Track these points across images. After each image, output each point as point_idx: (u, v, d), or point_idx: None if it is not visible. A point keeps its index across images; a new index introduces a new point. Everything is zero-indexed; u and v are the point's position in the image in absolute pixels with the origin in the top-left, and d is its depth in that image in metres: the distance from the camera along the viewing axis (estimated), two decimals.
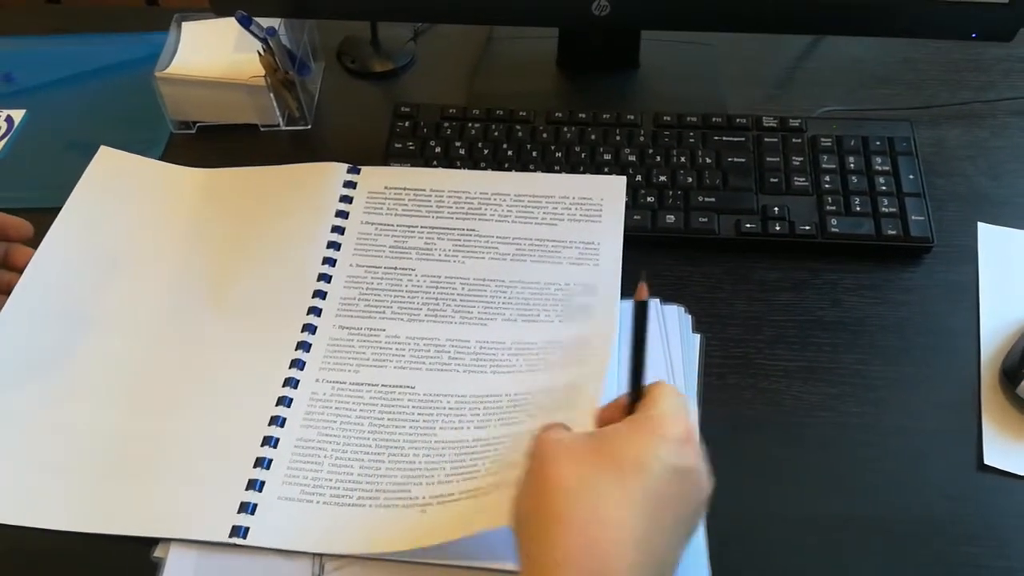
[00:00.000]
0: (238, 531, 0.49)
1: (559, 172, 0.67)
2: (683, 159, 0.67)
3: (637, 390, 0.43)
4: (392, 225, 0.63)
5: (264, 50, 0.69)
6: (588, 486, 0.38)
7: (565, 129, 0.69)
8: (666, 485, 0.38)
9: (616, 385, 0.54)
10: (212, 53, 0.73)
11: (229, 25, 0.68)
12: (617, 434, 0.41)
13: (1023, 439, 0.54)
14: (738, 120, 0.69)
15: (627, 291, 0.59)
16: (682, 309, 0.60)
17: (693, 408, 0.54)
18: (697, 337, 0.59)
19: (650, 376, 0.55)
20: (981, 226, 0.65)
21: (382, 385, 0.55)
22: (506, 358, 0.56)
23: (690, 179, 0.66)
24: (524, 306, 0.59)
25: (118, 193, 0.67)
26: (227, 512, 0.50)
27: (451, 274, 0.61)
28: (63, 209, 0.65)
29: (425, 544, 0.47)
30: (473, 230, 0.63)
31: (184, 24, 0.75)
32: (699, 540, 0.49)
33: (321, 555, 0.49)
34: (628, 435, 0.40)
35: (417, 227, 0.63)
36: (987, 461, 0.53)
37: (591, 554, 0.36)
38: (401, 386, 0.55)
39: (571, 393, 0.53)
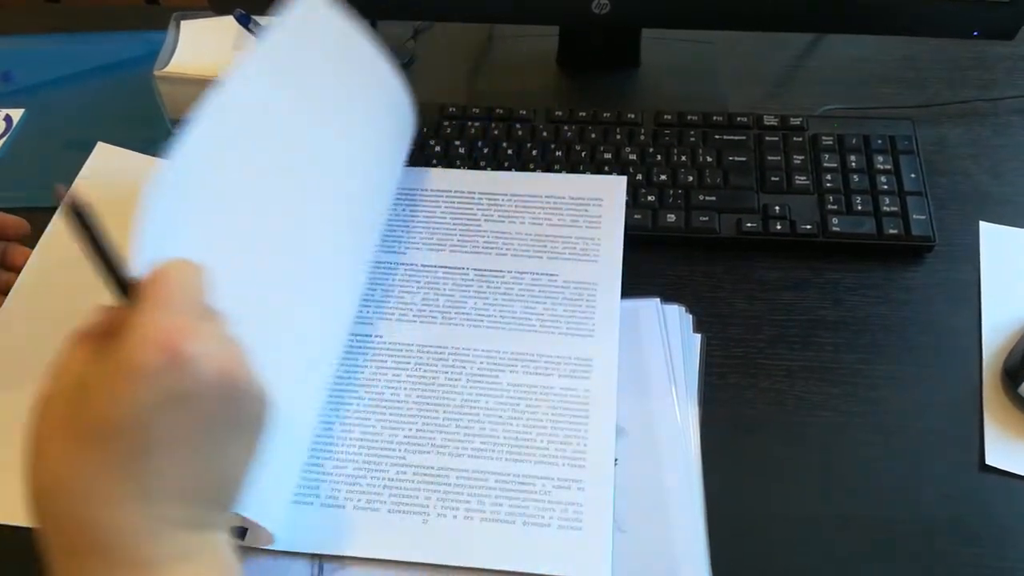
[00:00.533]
0: (235, 531, 0.48)
1: (559, 171, 0.66)
2: (684, 158, 0.67)
3: (120, 288, 0.36)
4: (391, 225, 0.63)
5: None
6: (67, 483, 0.33)
7: (565, 128, 0.69)
8: (156, 428, 0.33)
9: (617, 383, 0.54)
10: (211, 52, 0.72)
11: (228, 23, 0.68)
12: (94, 389, 0.33)
13: None
14: (739, 119, 0.69)
15: (626, 290, 0.59)
16: (683, 309, 0.60)
17: (693, 441, 0.53)
18: (698, 337, 0.59)
19: (652, 377, 0.56)
20: (983, 225, 0.65)
21: (380, 385, 0.55)
22: (507, 362, 0.56)
23: (691, 178, 0.66)
24: (524, 304, 0.58)
25: (116, 190, 0.67)
26: None
27: (450, 274, 0.60)
28: (59, 208, 0.65)
29: (427, 561, 0.47)
30: (473, 229, 0.62)
31: (183, 23, 0.75)
32: (700, 539, 0.49)
33: (320, 556, 0.48)
34: (100, 384, 0.33)
35: (416, 226, 0.63)
36: (989, 461, 0.53)
37: (97, 555, 0.33)
38: (400, 389, 0.55)
39: (580, 403, 0.53)
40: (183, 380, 0.33)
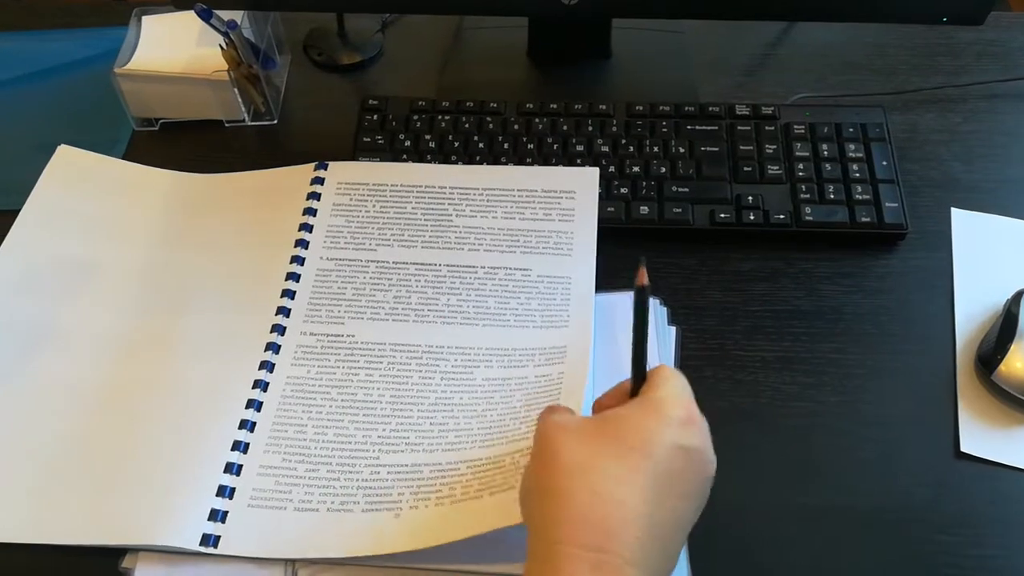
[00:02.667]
0: (208, 539, 0.48)
1: (531, 164, 0.66)
2: (656, 149, 0.66)
3: (640, 374, 0.43)
4: (361, 221, 0.62)
5: (226, 44, 0.67)
6: (591, 464, 0.39)
7: (537, 120, 0.68)
8: (670, 465, 0.39)
9: (593, 376, 0.54)
10: (174, 48, 0.71)
11: (191, 19, 0.66)
12: (621, 416, 0.41)
13: (999, 426, 0.54)
14: (711, 108, 0.69)
15: (601, 284, 0.59)
16: (657, 301, 0.59)
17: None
18: (673, 329, 0.59)
19: (628, 371, 0.55)
20: (955, 211, 0.65)
21: (354, 386, 0.54)
22: (482, 357, 0.55)
23: (663, 169, 0.65)
24: (498, 299, 0.58)
25: (79, 193, 0.65)
26: (197, 520, 0.48)
27: (422, 270, 0.59)
28: (21, 212, 0.63)
29: (399, 550, 0.46)
30: (445, 224, 0.62)
31: (144, 18, 0.73)
32: None
33: (293, 561, 0.48)
34: (632, 417, 0.40)
35: (387, 222, 0.62)
36: (963, 448, 0.53)
37: (593, 531, 0.37)
38: (373, 389, 0.54)
39: (553, 387, 0.52)
40: (695, 437, 0.40)
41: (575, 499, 0.38)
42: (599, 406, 0.45)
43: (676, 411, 0.40)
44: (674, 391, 0.42)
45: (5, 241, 0.62)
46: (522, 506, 0.42)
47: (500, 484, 0.48)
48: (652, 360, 0.56)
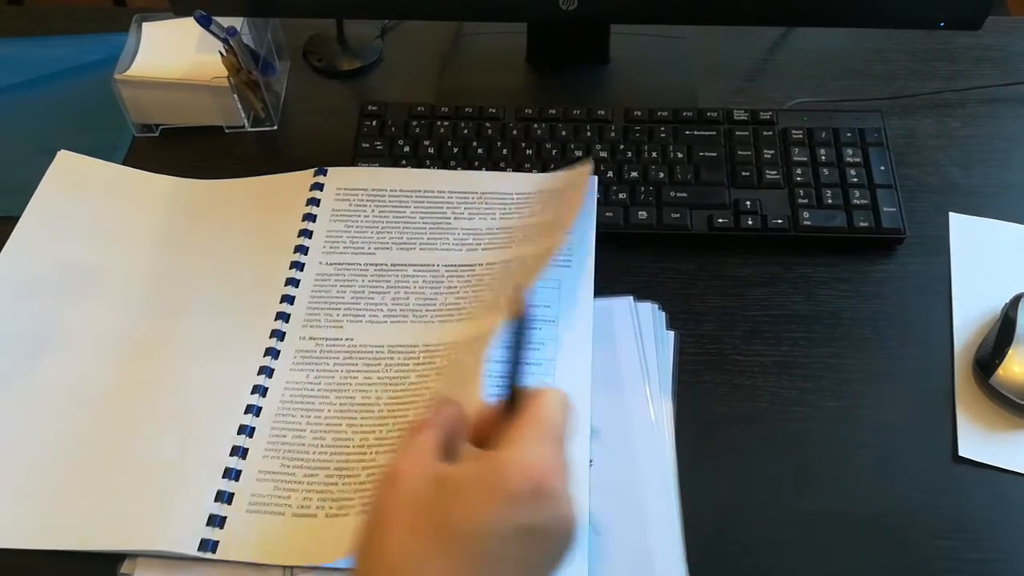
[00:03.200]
0: (207, 545, 0.48)
1: (529, 169, 0.66)
2: (654, 154, 0.67)
3: (513, 394, 0.39)
4: (360, 226, 0.62)
5: (226, 50, 0.68)
6: (412, 565, 0.34)
7: (535, 126, 0.68)
8: (504, 549, 0.34)
9: (590, 383, 0.54)
10: (174, 54, 0.71)
11: (191, 25, 0.66)
12: (459, 489, 0.35)
13: (997, 430, 0.54)
14: (709, 114, 0.69)
15: (599, 289, 0.59)
16: (656, 306, 0.59)
17: (668, 439, 0.53)
18: (671, 334, 0.59)
19: (625, 376, 0.55)
20: (952, 216, 0.65)
21: (352, 389, 0.54)
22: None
23: (662, 174, 0.65)
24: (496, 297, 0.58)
25: (79, 199, 0.65)
26: (195, 525, 0.48)
27: (420, 271, 0.60)
28: (22, 217, 0.63)
29: None
30: (443, 227, 0.62)
31: (145, 24, 0.73)
32: (676, 538, 0.49)
33: (292, 567, 0.48)
34: (468, 493, 0.35)
35: (386, 227, 0.62)
36: (962, 453, 0.53)
37: None
38: (371, 392, 0.54)
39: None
40: (538, 515, 0.35)
41: None
42: (476, 423, 0.40)
43: (517, 483, 0.34)
44: (528, 449, 0.36)
45: (6, 246, 0.62)
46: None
47: None
48: (648, 366, 0.56)
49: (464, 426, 0.39)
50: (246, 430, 0.52)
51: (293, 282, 0.59)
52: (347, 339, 0.57)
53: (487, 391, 0.40)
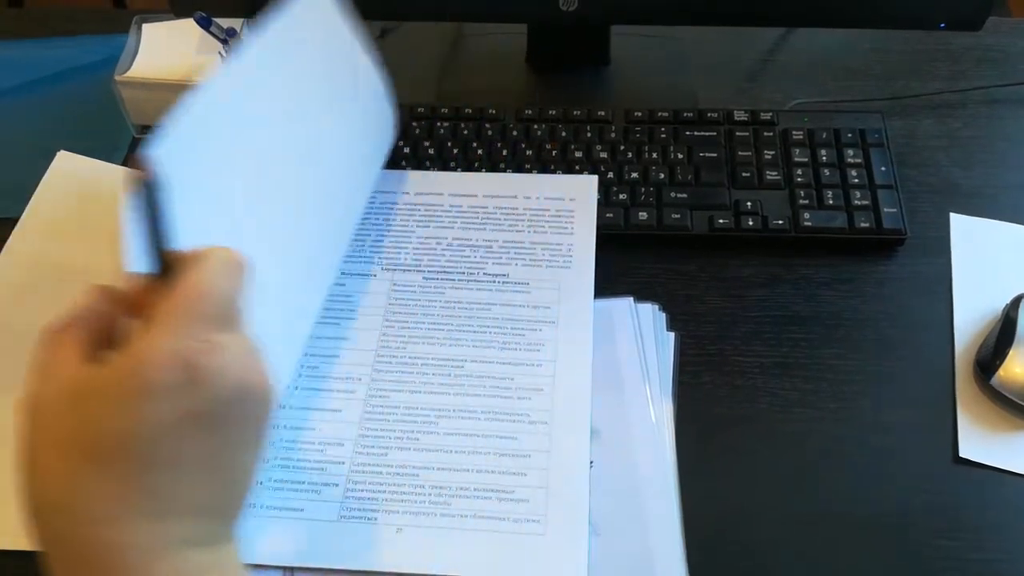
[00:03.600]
0: None
1: (530, 170, 0.66)
2: (655, 155, 0.67)
3: (165, 263, 0.34)
4: (360, 230, 0.62)
5: (226, 51, 0.68)
6: (72, 494, 0.31)
7: (535, 127, 0.68)
8: (173, 445, 0.31)
9: (591, 384, 0.54)
10: (174, 55, 0.71)
11: (191, 26, 0.66)
12: (103, 395, 0.31)
13: (998, 431, 0.54)
14: (709, 114, 0.69)
15: (600, 290, 0.59)
16: (656, 307, 0.59)
17: (668, 441, 0.52)
18: (672, 335, 0.59)
19: (626, 377, 0.55)
20: (954, 216, 0.65)
21: (351, 394, 0.54)
22: (481, 373, 0.55)
23: (662, 175, 0.65)
24: (496, 313, 0.58)
25: (78, 200, 0.65)
26: None
27: (420, 280, 0.60)
28: (21, 218, 0.63)
29: (400, 570, 0.47)
30: (443, 233, 0.62)
31: (145, 26, 0.73)
32: (676, 539, 0.49)
33: (292, 568, 0.48)
34: (111, 396, 0.31)
35: (385, 231, 0.62)
36: (962, 454, 0.53)
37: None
38: (369, 397, 0.54)
39: (552, 428, 0.52)
40: (199, 398, 0.31)
41: (67, 546, 0.31)
42: (135, 299, 0.35)
43: (166, 374, 0.31)
44: (175, 331, 0.32)
45: (5, 247, 0.62)
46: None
47: (508, 520, 0.48)
48: (648, 367, 0.56)
49: (117, 309, 0.35)
50: None
51: None
52: (345, 345, 0.57)
53: (132, 263, 0.35)
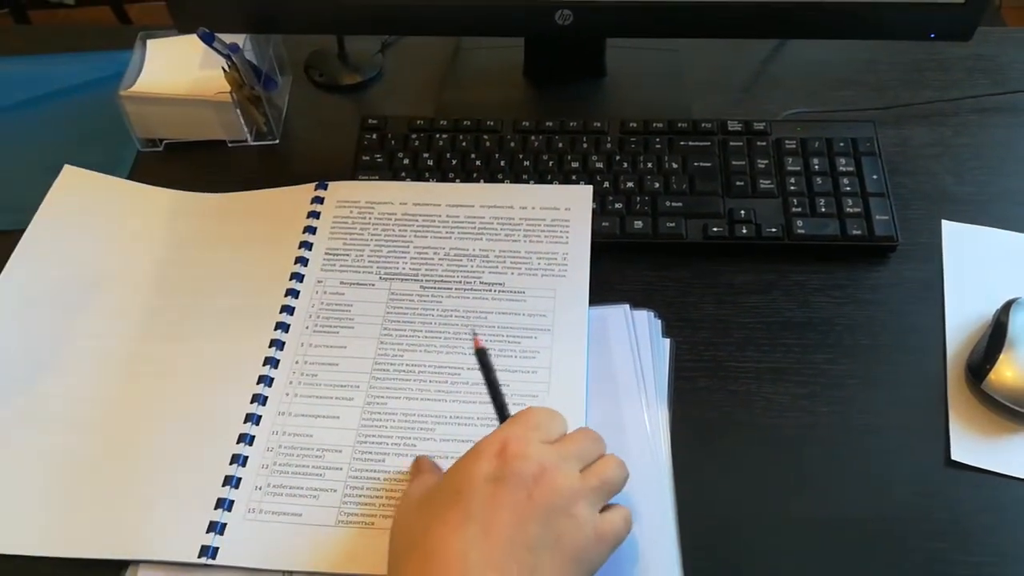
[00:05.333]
0: (207, 551, 0.48)
1: (527, 180, 0.67)
2: (650, 165, 0.68)
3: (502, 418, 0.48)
4: (359, 241, 0.63)
5: (228, 66, 0.69)
6: (423, 524, 0.42)
7: (532, 138, 0.69)
8: (487, 498, 0.42)
9: (586, 391, 0.54)
10: (178, 70, 0.72)
11: (194, 42, 0.68)
12: (451, 468, 0.45)
13: (989, 434, 0.55)
14: (703, 125, 0.70)
15: (596, 297, 0.60)
16: (652, 314, 0.60)
17: (664, 445, 0.54)
18: (667, 341, 0.59)
19: (621, 383, 0.56)
20: (945, 224, 0.66)
21: (349, 402, 0.55)
22: (477, 380, 0.55)
23: (657, 184, 0.66)
24: (492, 322, 0.59)
25: (83, 213, 0.67)
26: (196, 532, 0.49)
27: (417, 289, 0.60)
28: (27, 231, 0.65)
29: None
30: (440, 244, 0.63)
31: (149, 42, 0.75)
32: (671, 544, 0.50)
33: (291, 572, 0.48)
34: (456, 465, 0.45)
35: (384, 242, 0.63)
36: (954, 457, 0.54)
37: None
38: (367, 404, 0.55)
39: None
40: (503, 467, 0.43)
41: (411, 562, 0.41)
42: None
43: (487, 446, 0.44)
44: (501, 431, 0.45)
45: (11, 259, 0.63)
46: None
47: None
48: (644, 373, 0.57)
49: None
50: (246, 438, 0.53)
51: (293, 293, 0.60)
52: (343, 354, 0.57)
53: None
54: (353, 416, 0.54)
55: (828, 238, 0.64)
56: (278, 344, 0.58)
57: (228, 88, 0.70)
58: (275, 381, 0.56)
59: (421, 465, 0.50)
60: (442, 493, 0.44)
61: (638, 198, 0.66)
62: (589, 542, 0.43)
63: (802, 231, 0.64)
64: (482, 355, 0.49)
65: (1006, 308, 0.58)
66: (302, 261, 0.62)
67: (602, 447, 0.48)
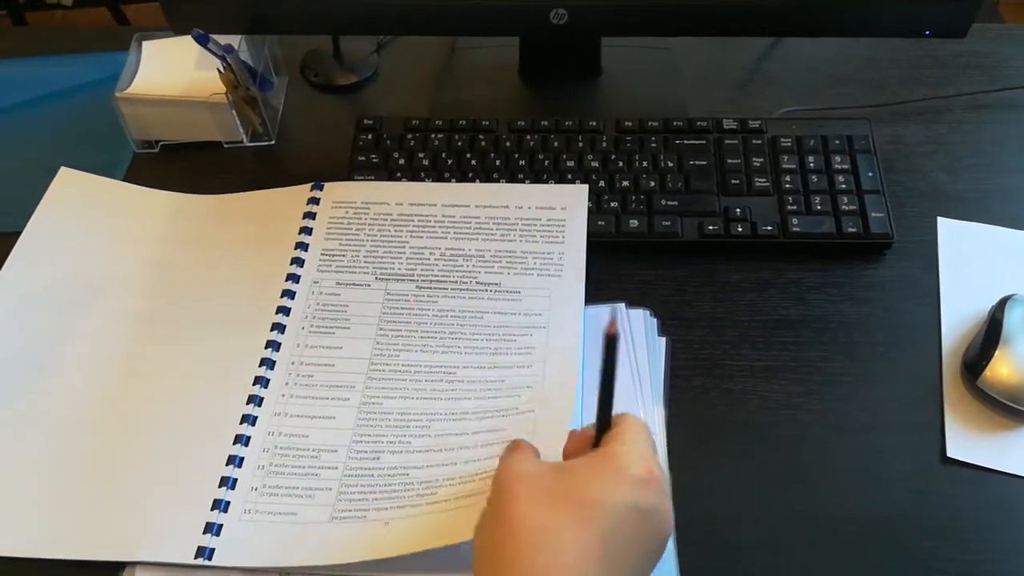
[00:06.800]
0: (203, 552, 0.49)
1: (523, 180, 0.67)
2: (645, 163, 0.68)
3: (605, 423, 0.43)
4: (355, 242, 0.63)
5: (224, 67, 0.69)
6: (547, 530, 0.38)
7: (528, 137, 0.69)
8: (625, 526, 0.39)
9: (582, 395, 0.54)
10: (173, 71, 0.72)
11: (190, 43, 0.68)
12: (579, 470, 0.41)
13: (985, 431, 0.55)
14: (699, 123, 0.70)
15: (591, 296, 0.60)
16: (647, 312, 0.60)
17: (660, 444, 0.54)
18: (663, 340, 0.59)
19: (617, 381, 0.56)
20: (940, 220, 0.66)
21: (345, 402, 0.55)
22: (472, 378, 0.56)
23: (652, 183, 0.66)
24: (489, 314, 0.59)
25: (80, 215, 0.67)
26: (192, 533, 0.49)
27: (413, 289, 0.61)
28: (23, 233, 0.65)
29: (388, 555, 0.47)
30: (436, 244, 0.63)
31: (145, 43, 0.75)
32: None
33: (287, 570, 0.48)
34: (590, 472, 0.40)
35: (380, 243, 0.63)
36: (950, 454, 0.54)
37: None
38: (363, 404, 0.55)
39: (539, 414, 0.53)
40: (651, 497, 0.40)
41: (531, 568, 0.37)
42: (563, 453, 0.45)
43: (634, 469, 0.40)
44: (635, 446, 0.41)
45: (7, 261, 0.63)
46: (475, 554, 0.41)
47: (484, 488, 0.49)
48: (640, 372, 0.57)
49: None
50: (242, 439, 0.53)
51: (289, 294, 0.60)
52: (339, 354, 0.57)
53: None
54: (349, 416, 0.54)
55: (824, 236, 0.64)
56: (274, 345, 0.58)
57: (224, 89, 0.70)
58: (271, 382, 0.56)
59: (520, 444, 0.45)
60: (568, 503, 0.39)
61: (633, 197, 0.66)
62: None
63: (798, 229, 0.64)
64: (611, 342, 0.42)
65: (1001, 305, 0.58)
66: (298, 262, 0.62)
67: None
